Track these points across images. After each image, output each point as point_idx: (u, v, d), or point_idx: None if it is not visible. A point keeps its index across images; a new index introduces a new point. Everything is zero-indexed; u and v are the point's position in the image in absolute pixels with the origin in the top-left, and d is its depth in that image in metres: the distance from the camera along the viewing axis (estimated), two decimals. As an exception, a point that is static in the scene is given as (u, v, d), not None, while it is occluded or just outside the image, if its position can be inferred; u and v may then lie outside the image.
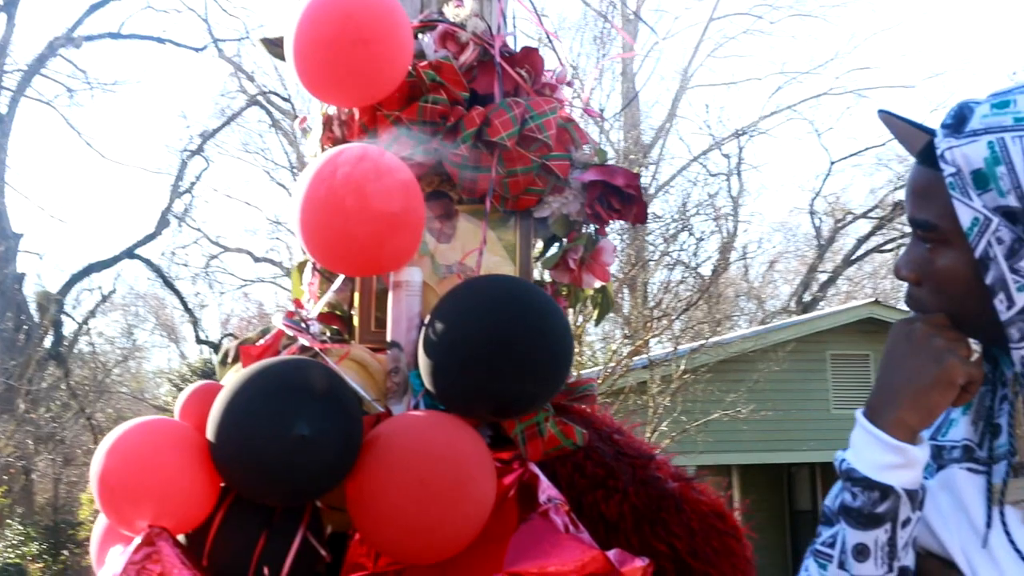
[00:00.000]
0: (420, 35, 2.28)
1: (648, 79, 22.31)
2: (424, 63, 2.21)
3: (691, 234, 14.47)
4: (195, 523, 1.94)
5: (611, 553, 1.95)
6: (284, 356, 2.08)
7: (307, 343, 2.13)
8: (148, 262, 20.63)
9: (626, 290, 16.57)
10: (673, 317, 12.60)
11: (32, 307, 21.20)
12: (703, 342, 12.90)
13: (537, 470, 2.07)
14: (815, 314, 19.27)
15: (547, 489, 2.04)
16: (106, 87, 19.78)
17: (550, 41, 2.52)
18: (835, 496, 1.58)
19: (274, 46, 2.32)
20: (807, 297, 23.97)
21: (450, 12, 2.30)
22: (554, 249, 2.35)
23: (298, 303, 2.27)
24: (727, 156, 22.80)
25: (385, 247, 1.98)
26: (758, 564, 2.27)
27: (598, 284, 2.38)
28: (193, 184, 21.32)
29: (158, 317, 28.03)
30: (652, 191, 21.01)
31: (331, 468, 1.90)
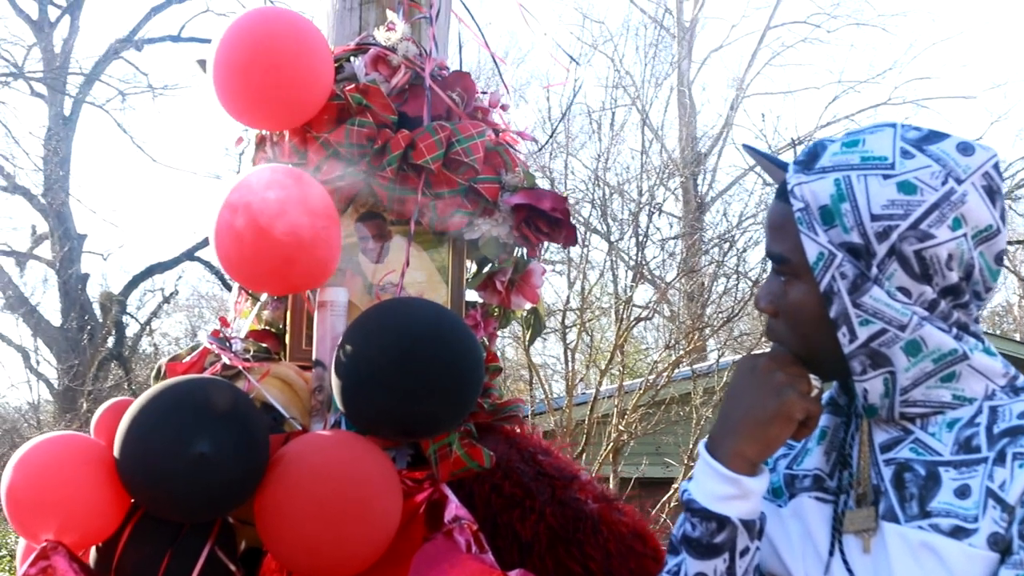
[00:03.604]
0: (352, 59, 2.32)
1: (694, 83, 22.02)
2: (352, 86, 2.24)
3: (732, 244, 14.33)
4: (101, 537, 1.99)
5: (512, 574, 1.96)
6: (191, 375, 2.11)
7: (229, 361, 2.17)
8: (208, 264, 20.75)
9: (678, 299, 16.45)
10: (716, 327, 12.48)
11: (95, 308, 21.45)
12: (744, 355, 12.77)
13: (447, 490, 2.08)
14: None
15: (455, 509, 2.06)
16: (158, 91, 19.81)
17: (496, 65, 2.55)
18: (679, 526, 1.61)
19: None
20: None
21: (381, 36, 2.33)
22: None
23: (224, 321, 2.32)
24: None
25: (294, 269, 2.01)
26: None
27: (528, 305, 2.39)
28: (251, 188, 21.47)
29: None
30: (708, 200, 20.87)
31: (233, 486, 1.94)
